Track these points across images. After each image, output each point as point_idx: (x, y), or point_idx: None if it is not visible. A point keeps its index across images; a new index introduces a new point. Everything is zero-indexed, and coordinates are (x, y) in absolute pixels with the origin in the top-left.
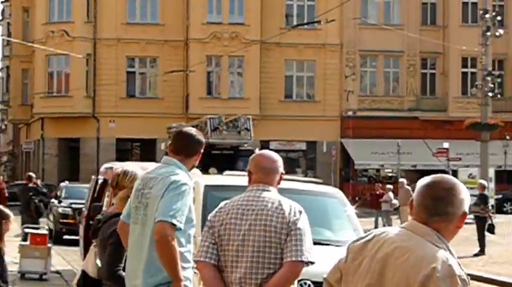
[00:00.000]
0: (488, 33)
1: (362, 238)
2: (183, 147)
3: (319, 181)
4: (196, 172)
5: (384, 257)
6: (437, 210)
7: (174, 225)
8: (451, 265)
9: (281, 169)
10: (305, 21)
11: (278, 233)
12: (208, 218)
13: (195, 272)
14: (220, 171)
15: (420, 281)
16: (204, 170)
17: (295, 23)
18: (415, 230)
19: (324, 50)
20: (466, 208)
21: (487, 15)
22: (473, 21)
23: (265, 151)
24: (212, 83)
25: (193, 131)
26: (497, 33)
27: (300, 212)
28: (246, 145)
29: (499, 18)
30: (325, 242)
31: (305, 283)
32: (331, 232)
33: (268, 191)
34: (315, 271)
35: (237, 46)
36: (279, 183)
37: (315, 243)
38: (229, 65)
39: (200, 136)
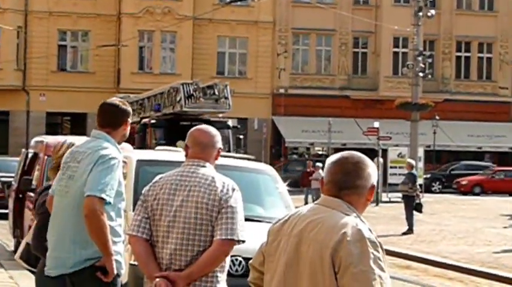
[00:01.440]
0: (420, 14)
1: (280, 219)
2: (108, 119)
3: (252, 157)
4: (127, 146)
5: (298, 233)
6: (346, 184)
7: (103, 199)
8: (361, 229)
9: (218, 145)
10: None
11: (209, 211)
12: (143, 192)
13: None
14: None
15: (332, 247)
16: (172, 143)
17: None
18: (326, 204)
19: (256, 27)
20: (374, 181)
21: None
22: (406, 1)
23: (203, 126)
24: (144, 58)
25: (117, 101)
26: (429, 14)
27: (233, 190)
28: (220, 116)
29: None
30: (257, 219)
31: (236, 260)
32: (263, 209)
33: (203, 166)
34: (247, 248)
35: (169, 21)
36: (216, 159)
37: (246, 219)
38: (162, 41)
39: (125, 106)
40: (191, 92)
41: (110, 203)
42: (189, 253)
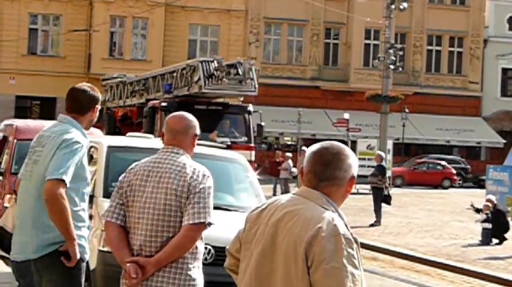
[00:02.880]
0: (393, 6)
1: (258, 207)
2: (76, 104)
3: (223, 145)
4: (97, 132)
5: (275, 223)
6: (326, 175)
7: (64, 182)
8: (336, 225)
9: (194, 131)
10: None
11: (178, 197)
12: (120, 178)
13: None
14: (208, 132)
15: (306, 241)
16: None
17: None
18: (305, 195)
19: (228, 15)
20: (355, 172)
21: None
22: None
23: (179, 113)
24: (115, 44)
25: (86, 87)
26: (401, 7)
27: (204, 176)
28: (241, 99)
29: None
30: (227, 208)
31: (205, 248)
32: (234, 198)
33: (177, 153)
34: (216, 236)
35: (141, 8)
36: (192, 146)
37: (216, 208)
38: (133, 27)
39: (94, 92)
40: (211, 71)
41: (71, 187)
42: (159, 239)
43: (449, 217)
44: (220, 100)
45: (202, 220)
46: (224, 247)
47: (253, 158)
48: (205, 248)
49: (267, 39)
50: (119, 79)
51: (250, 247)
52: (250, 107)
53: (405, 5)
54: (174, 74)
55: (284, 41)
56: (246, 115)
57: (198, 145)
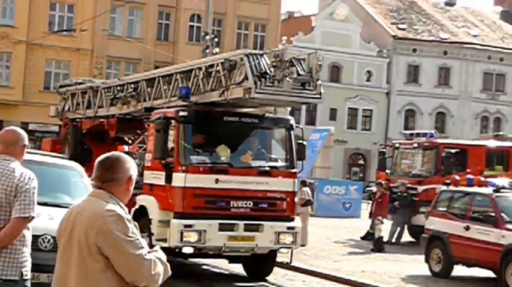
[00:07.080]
0: (207, 51)
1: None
2: None
3: (65, 156)
4: None
5: (72, 220)
6: (107, 177)
7: None
8: (117, 211)
9: (22, 142)
10: (64, 28)
11: (8, 195)
12: None
13: None
14: (234, 151)
15: (96, 229)
16: (212, 146)
17: (56, 29)
18: (92, 194)
19: (78, 53)
20: (133, 174)
21: (207, 37)
22: (197, 40)
23: (11, 127)
24: None
25: None
26: (214, 51)
27: (30, 178)
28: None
29: (216, 39)
30: (65, 206)
31: (46, 238)
32: (70, 197)
33: (8, 160)
34: (54, 228)
35: (6, 44)
36: (22, 154)
37: (56, 205)
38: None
39: None
40: (263, 68)
41: None
42: None
43: None
44: (246, 110)
45: (27, 215)
46: None
47: (296, 189)
48: (46, 237)
49: (108, 73)
50: (88, 85)
51: (59, 243)
52: (292, 121)
53: (217, 49)
54: (193, 74)
55: (122, 75)
56: (287, 131)
57: (45, 155)
